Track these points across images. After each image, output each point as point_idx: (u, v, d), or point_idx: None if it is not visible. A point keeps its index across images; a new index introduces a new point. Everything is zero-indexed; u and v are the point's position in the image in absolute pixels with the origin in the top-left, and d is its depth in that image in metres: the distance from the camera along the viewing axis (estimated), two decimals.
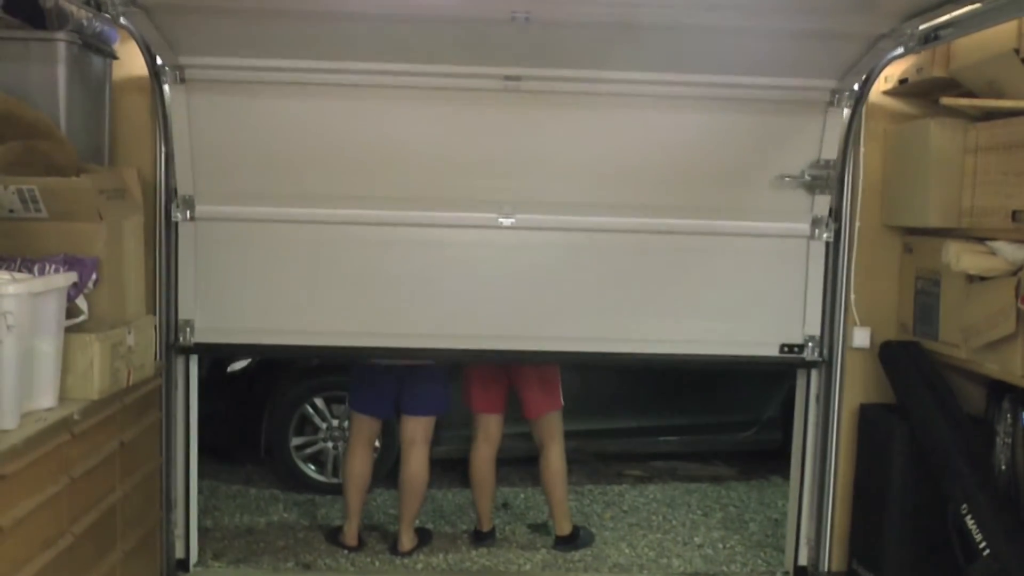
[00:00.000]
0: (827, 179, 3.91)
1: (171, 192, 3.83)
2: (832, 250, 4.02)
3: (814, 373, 4.12)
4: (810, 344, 4.07)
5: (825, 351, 4.07)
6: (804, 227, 3.99)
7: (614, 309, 4.01)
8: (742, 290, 4.02)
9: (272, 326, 3.96)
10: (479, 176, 3.87)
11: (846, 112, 3.87)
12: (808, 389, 4.16)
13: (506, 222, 3.90)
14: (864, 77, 3.77)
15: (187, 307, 3.93)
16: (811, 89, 3.82)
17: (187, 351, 3.98)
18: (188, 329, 3.93)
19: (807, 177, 3.90)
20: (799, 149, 3.89)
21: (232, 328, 3.99)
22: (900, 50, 3.53)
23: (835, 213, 4.01)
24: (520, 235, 3.94)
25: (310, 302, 3.94)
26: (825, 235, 3.99)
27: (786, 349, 4.08)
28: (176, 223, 3.86)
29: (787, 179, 3.90)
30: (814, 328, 4.06)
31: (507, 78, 3.71)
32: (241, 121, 3.76)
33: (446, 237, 3.92)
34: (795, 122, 3.87)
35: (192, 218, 3.86)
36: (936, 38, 3.30)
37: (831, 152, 3.89)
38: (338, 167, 3.83)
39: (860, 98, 3.85)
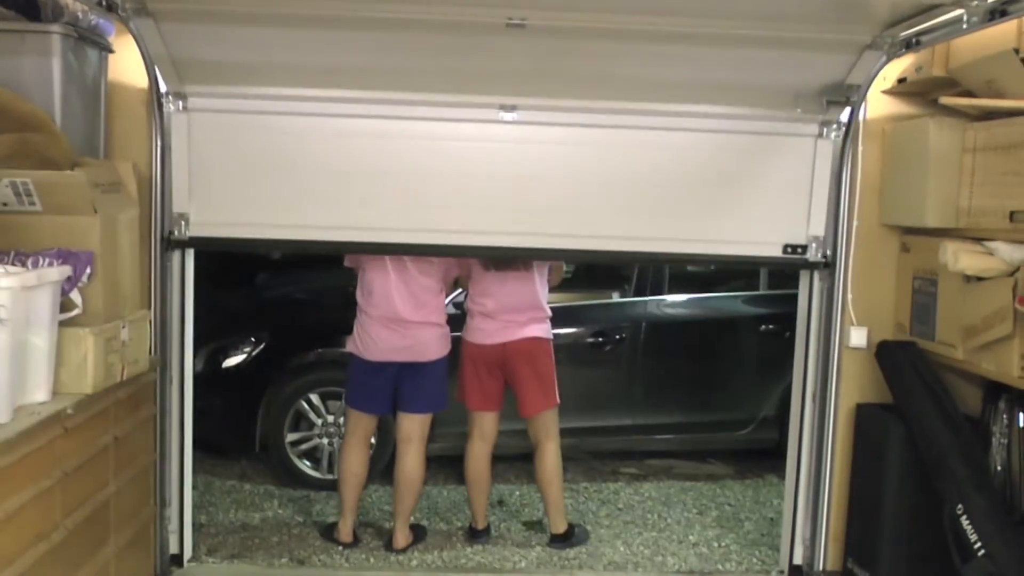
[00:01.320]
0: (841, 88, 3.81)
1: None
2: (840, 150, 3.94)
3: (816, 275, 4.08)
4: (813, 245, 4.02)
5: (828, 252, 4.02)
6: (812, 127, 3.93)
7: (617, 207, 3.95)
8: (747, 189, 3.96)
9: (267, 220, 3.89)
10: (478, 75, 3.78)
11: (835, 138, 3.93)
12: (810, 294, 4.11)
13: (507, 116, 3.82)
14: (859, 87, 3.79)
15: (181, 201, 3.85)
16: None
17: (182, 245, 3.92)
18: (183, 223, 3.87)
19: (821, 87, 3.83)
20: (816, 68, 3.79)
21: (226, 222, 3.91)
22: (884, 58, 3.58)
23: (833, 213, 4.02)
24: (521, 130, 3.85)
25: (305, 196, 3.87)
26: (833, 134, 3.91)
27: (789, 250, 4.04)
28: (169, 115, 3.77)
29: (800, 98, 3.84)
30: (818, 229, 4.01)
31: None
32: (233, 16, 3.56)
33: (445, 131, 3.83)
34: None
35: (185, 109, 3.77)
36: (918, 43, 3.37)
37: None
38: (336, 58, 3.70)
39: (858, 99, 3.84)
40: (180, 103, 3.78)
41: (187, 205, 3.86)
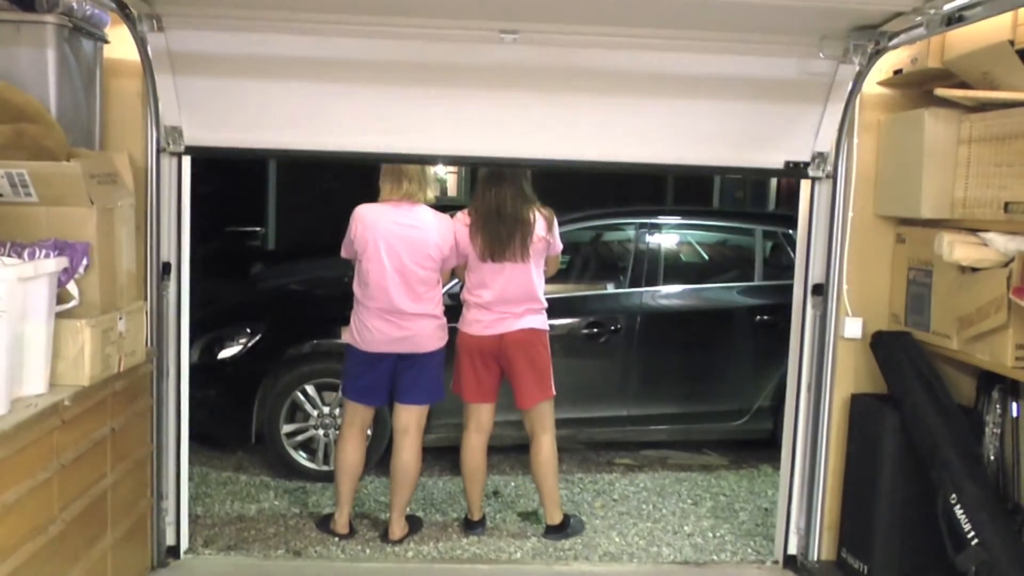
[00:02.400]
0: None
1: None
2: (858, 77, 3.87)
3: (819, 185, 4.06)
4: (816, 160, 4.00)
5: (830, 167, 4.01)
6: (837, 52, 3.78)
7: (626, 114, 3.91)
8: (754, 104, 3.92)
9: (261, 126, 3.87)
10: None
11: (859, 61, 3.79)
12: (812, 200, 4.09)
13: (508, 39, 3.71)
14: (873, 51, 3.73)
15: (171, 116, 3.80)
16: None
17: (178, 155, 3.89)
18: (176, 135, 3.83)
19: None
20: None
21: (221, 132, 3.88)
22: (922, 30, 3.44)
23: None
24: (520, 47, 3.74)
25: (301, 103, 3.82)
26: (857, 60, 3.74)
27: (791, 165, 4.04)
28: (144, 37, 3.62)
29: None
30: (825, 146, 3.99)
31: None
32: None
33: (442, 46, 3.74)
34: None
35: (160, 28, 3.61)
36: (960, 19, 3.20)
37: None
38: None
39: (854, 88, 3.84)
40: (153, 22, 3.61)
41: (178, 119, 3.79)
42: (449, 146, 3.99)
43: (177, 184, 3.93)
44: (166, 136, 3.81)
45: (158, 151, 3.82)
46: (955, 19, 3.15)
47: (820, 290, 4.09)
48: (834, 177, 4.01)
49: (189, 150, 3.89)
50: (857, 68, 3.74)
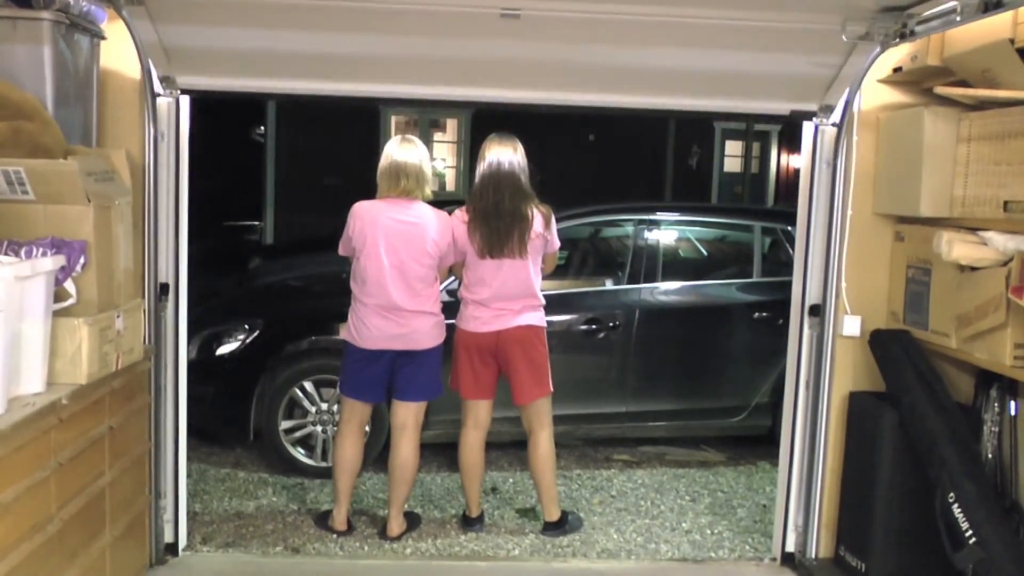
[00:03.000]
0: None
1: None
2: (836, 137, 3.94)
3: (824, 131, 4.04)
4: (824, 109, 4.00)
5: (837, 117, 3.99)
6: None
7: (634, 59, 3.86)
8: (766, 54, 3.85)
9: (255, 63, 3.85)
10: None
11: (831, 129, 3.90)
12: (814, 148, 4.07)
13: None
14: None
15: (160, 65, 3.77)
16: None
17: (176, 96, 3.88)
18: (170, 79, 3.81)
19: None
20: None
21: (216, 73, 3.89)
22: (877, 48, 3.55)
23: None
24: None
25: (294, 41, 3.77)
26: (879, 40, 3.63)
27: (797, 114, 4.06)
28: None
29: None
30: (835, 99, 3.96)
31: None
32: None
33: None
34: None
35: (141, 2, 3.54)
36: (999, 5, 3.10)
37: None
38: None
39: (854, 87, 3.84)
40: None
41: (168, 69, 3.76)
42: (455, 90, 3.96)
43: (176, 130, 3.89)
44: (160, 83, 3.75)
45: (155, 146, 3.80)
46: (992, 5, 3.01)
47: (817, 311, 4.11)
48: (833, 173, 4.00)
49: (184, 92, 3.84)
50: (878, 50, 3.66)
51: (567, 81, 3.97)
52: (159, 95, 3.80)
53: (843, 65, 3.85)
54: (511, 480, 5.32)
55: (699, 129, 15.82)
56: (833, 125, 4.01)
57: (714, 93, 4.06)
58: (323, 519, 4.56)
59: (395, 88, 4.07)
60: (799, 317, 4.18)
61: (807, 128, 4.11)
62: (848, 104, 3.89)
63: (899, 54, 3.81)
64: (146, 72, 3.69)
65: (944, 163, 3.68)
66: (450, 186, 14.73)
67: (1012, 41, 3.26)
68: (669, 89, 4.04)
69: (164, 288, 3.92)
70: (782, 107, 4.10)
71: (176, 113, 3.90)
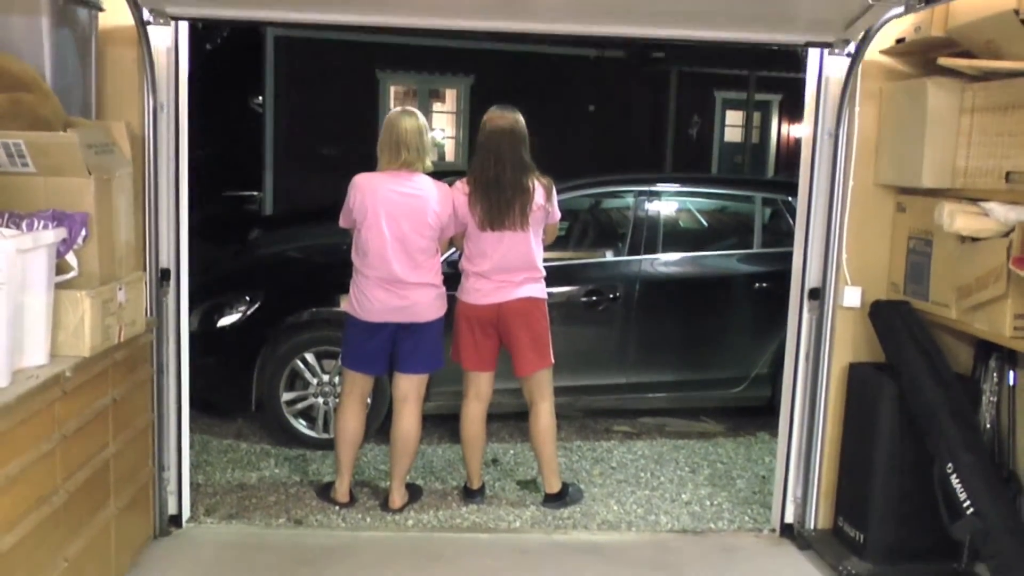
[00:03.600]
0: None
1: None
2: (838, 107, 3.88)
3: (831, 59, 3.99)
4: (840, 43, 3.95)
5: (852, 48, 3.93)
6: None
7: None
8: None
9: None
10: None
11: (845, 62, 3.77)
12: (819, 73, 4.03)
13: None
14: (861, 35, 3.73)
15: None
16: None
17: (171, 23, 3.81)
18: (159, 10, 3.75)
19: None
20: None
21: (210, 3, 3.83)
22: (900, 8, 3.49)
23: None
24: None
25: None
26: None
27: (811, 44, 4.01)
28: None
29: None
30: (855, 35, 3.88)
31: None
32: None
33: None
34: None
35: None
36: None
37: None
38: None
39: (856, 56, 3.82)
40: None
41: (157, 2, 3.69)
42: (456, 21, 3.87)
43: (175, 60, 3.84)
44: (150, 13, 3.69)
45: (155, 118, 3.78)
46: None
47: (816, 294, 4.10)
48: (835, 143, 3.99)
49: (177, 19, 3.78)
50: (901, 9, 3.58)
51: (581, 11, 3.90)
52: (149, 23, 3.71)
53: (868, 8, 3.72)
54: (512, 452, 5.35)
55: (699, 99, 15.76)
56: (847, 55, 3.93)
57: (733, 23, 3.95)
58: (325, 491, 4.59)
59: (393, 19, 3.96)
60: (799, 289, 4.18)
61: (813, 55, 4.03)
62: (851, 74, 3.85)
63: (903, 25, 3.78)
64: (145, 43, 3.65)
65: (946, 134, 3.67)
66: (449, 156, 14.69)
67: (1017, 12, 3.24)
68: (686, 20, 3.93)
69: (166, 273, 3.92)
70: (799, 38, 3.99)
71: (175, 45, 3.82)
